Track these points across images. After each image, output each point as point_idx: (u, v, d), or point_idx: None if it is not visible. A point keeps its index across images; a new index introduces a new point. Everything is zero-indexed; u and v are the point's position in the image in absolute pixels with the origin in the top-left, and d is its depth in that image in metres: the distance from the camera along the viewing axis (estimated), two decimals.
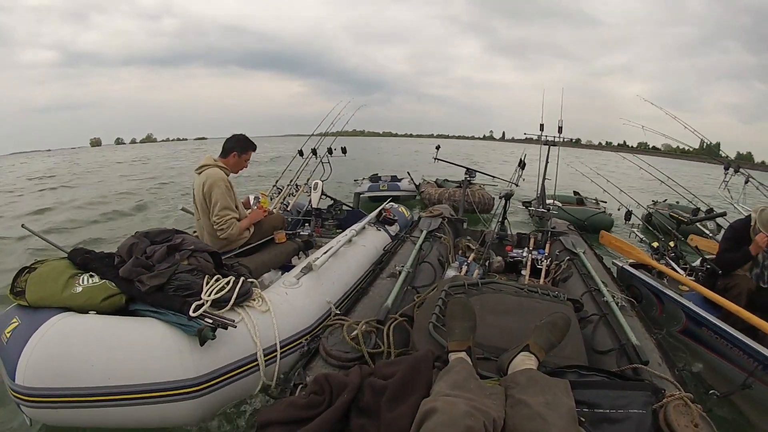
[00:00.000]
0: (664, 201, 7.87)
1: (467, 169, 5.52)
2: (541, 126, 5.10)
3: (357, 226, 3.56)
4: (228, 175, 2.96)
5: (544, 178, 5.17)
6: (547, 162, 5.14)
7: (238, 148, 3.03)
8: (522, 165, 5.29)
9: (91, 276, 2.04)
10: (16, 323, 1.82)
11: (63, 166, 25.48)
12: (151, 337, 1.79)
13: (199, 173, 2.93)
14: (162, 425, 1.84)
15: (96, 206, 9.95)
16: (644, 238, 4.40)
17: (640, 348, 1.87)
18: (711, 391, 2.11)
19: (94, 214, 8.98)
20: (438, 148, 5.83)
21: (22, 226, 2.82)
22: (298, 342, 2.18)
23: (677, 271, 3.34)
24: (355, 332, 1.93)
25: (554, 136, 5.09)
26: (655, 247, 3.89)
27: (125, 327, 1.83)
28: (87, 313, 1.89)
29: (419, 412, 1.19)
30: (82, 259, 2.15)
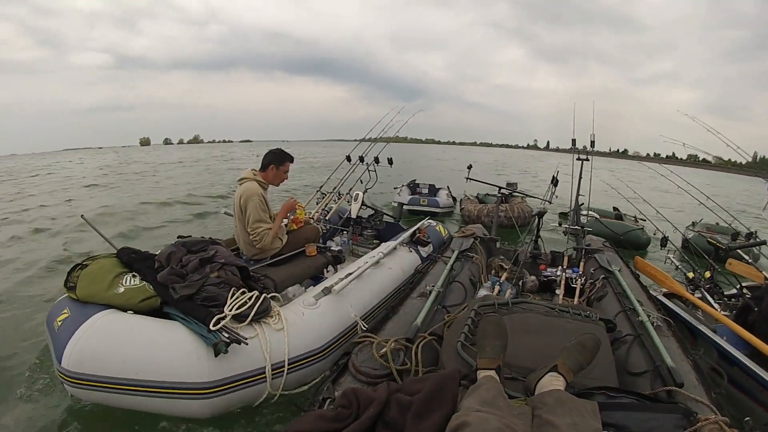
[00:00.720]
0: (700, 221, 7.60)
1: (499, 187, 5.49)
2: (573, 141, 5.01)
3: (387, 247, 3.60)
4: (266, 188, 3.23)
5: (578, 194, 5.08)
6: (580, 177, 5.04)
7: (275, 161, 3.23)
8: (555, 182, 5.23)
9: (134, 276, 2.34)
10: (67, 314, 2.18)
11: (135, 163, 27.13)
12: (176, 341, 2.04)
13: (240, 184, 3.19)
14: (176, 416, 2.12)
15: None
16: (680, 266, 4.26)
17: (674, 370, 1.82)
18: (746, 418, 2.04)
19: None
20: (470, 167, 5.81)
21: (81, 216, 3.18)
22: (307, 360, 2.33)
23: (711, 305, 3.22)
24: (384, 350, 1.95)
25: (585, 147, 5.00)
26: (691, 278, 3.77)
27: (156, 328, 2.10)
28: (127, 311, 2.20)
29: (450, 426, 1.20)
30: (129, 259, 2.45)
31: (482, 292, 3.12)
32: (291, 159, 3.33)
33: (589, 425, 1.23)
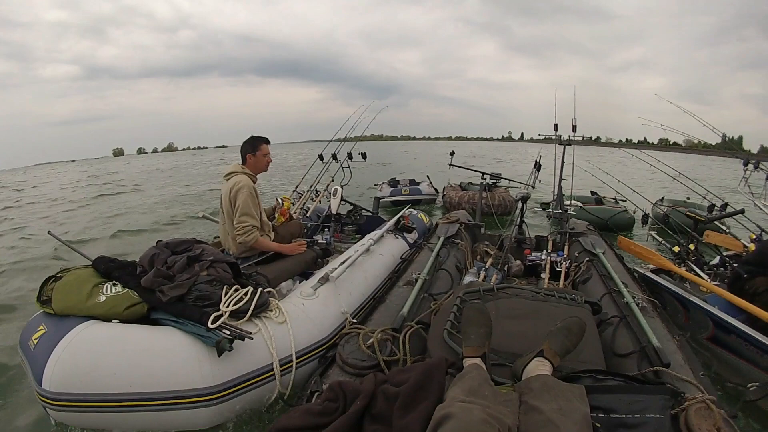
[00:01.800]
0: (662, 198, 7.73)
1: (482, 173, 5.49)
2: (555, 126, 5.03)
3: (375, 235, 3.57)
4: (255, 181, 3.08)
5: (560, 179, 5.09)
6: (563, 162, 5.07)
7: (250, 148, 3.10)
8: (537, 167, 5.23)
9: (115, 284, 2.13)
10: (43, 330, 1.92)
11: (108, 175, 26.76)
12: (171, 346, 1.86)
13: (228, 179, 3.04)
14: (180, 429, 1.90)
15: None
16: (663, 241, 4.29)
17: (661, 350, 1.83)
18: (750, 385, 2.06)
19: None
20: (452, 153, 5.81)
21: (48, 233, 2.91)
22: (313, 352, 2.20)
23: (701, 277, 3.24)
24: (371, 340, 1.93)
25: (568, 136, 5.02)
26: (677, 251, 3.79)
27: (147, 335, 1.91)
28: (111, 321, 1.98)
29: (434, 417, 1.18)
30: (106, 268, 2.24)
31: (468, 278, 3.12)
32: (266, 140, 3.17)
33: (576, 409, 1.23)
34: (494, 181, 6.97)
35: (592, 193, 7.89)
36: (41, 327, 1.96)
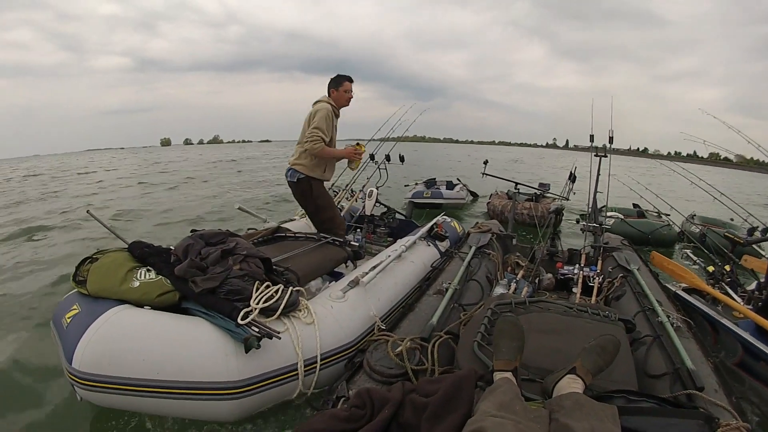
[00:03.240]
0: (692, 215, 7.43)
1: (516, 183, 5.45)
2: (591, 137, 4.94)
3: (407, 241, 3.58)
4: (336, 112, 3.66)
5: (596, 191, 5.00)
6: (598, 174, 4.98)
7: (333, 84, 3.63)
8: (572, 178, 5.16)
9: (149, 270, 2.17)
10: (77, 310, 1.99)
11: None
12: (200, 337, 1.89)
13: (313, 106, 3.61)
14: (201, 419, 1.97)
15: None
16: (697, 260, 4.18)
17: (695, 373, 1.79)
18: None
19: None
20: (486, 162, 5.78)
21: (87, 212, 3.00)
22: (338, 356, 2.21)
23: (734, 299, 3.13)
24: (399, 348, 1.93)
25: (605, 146, 4.93)
26: (711, 271, 3.68)
27: (176, 325, 1.94)
28: (142, 306, 2.04)
29: (465, 431, 1.19)
30: (141, 253, 2.29)
31: (498, 290, 3.10)
32: (349, 79, 3.65)
33: (608, 430, 1.21)
34: (542, 191, 6.85)
35: (634, 205, 7.68)
36: (75, 306, 2.02)
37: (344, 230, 3.84)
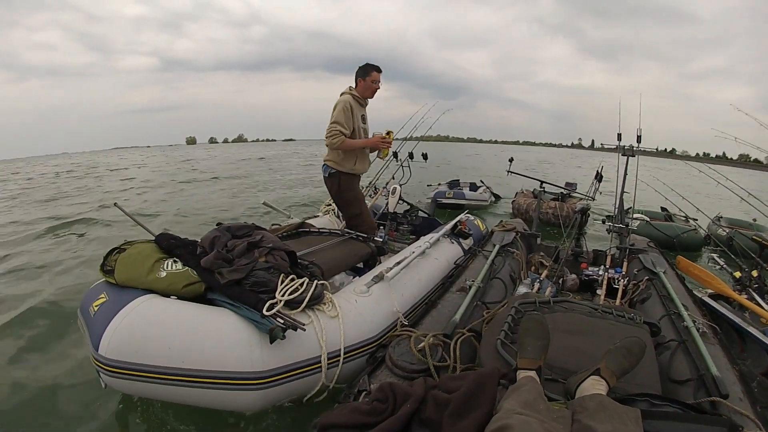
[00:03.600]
0: (718, 216, 7.30)
1: (541, 182, 5.41)
2: (619, 136, 4.86)
3: (431, 238, 3.59)
4: (361, 103, 3.66)
5: (622, 192, 4.92)
6: (625, 174, 4.90)
7: (361, 73, 3.61)
8: (599, 178, 5.09)
9: (175, 262, 2.22)
10: (104, 299, 2.03)
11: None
12: (225, 328, 1.91)
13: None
14: (225, 408, 1.99)
15: None
16: (724, 265, 4.11)
17: (720, 380, 1.76)
18: None
19: None
20: (511, 160, 5.74)
21: (115, 204, 3.08)
22: (362, 350, 2.23)
23: (761, 306, 3.06)
24: (422, 344, 1.95)
25: (632, 146, 4.84)
26: (738, 277, 3.61)
27: (202, 315, 1.97)
28: (169, 297, 2.08)
29: (490, 428, 1.19)
30: (168, 245, 2.34)
31: (521, 289, 3.10)
32: (377, 69, 3.61)
33: None
34: (569, 190, 6.78)
35: (662, 209, 7.55)
36: (102, 295, 2.05)
37: (373, 229, 3.82)
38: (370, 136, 3.80)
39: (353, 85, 3.64)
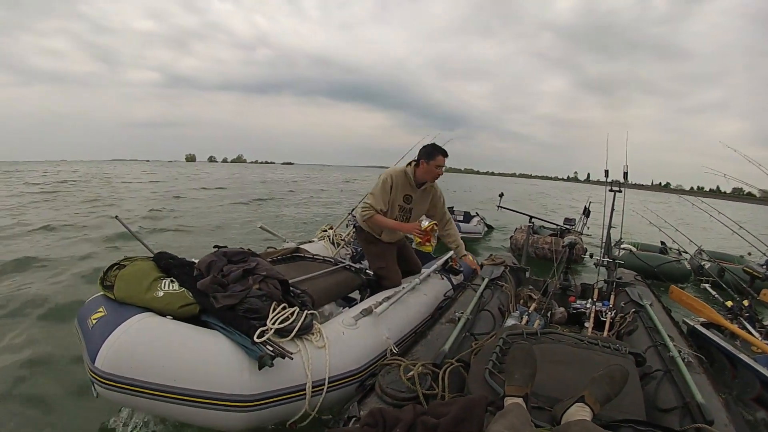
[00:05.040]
0: (698, 249, 7.31)
1: (530, 217, 5.49)
2: (606, 172, 4.98)
3: (422, 274, 3.61)
4: (412, 183, 3.28)
5: (609, 226, 5.02)
6: (612, 209, 5.00)
7: (425, 155, 3.22)
8: (587, 213, 5.18)
9: (172, 282, 2.29)
10: (103, 313, 2.10)
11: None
12: (217, 351, 1.97)
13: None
14: (211, 428, 2.02)
15: None
16: (716, 295, 4.16)
17: (705, 407, 1.79)
18: None
19: None
20: (501, 195, 5.83)
21: (116, 217, 3.10)
22: (346, 380, 2.27)
23: (752, 334, 3.13)
24: (411, 373, 1.98)
25: (619, 181, 4.95)
26: (729, 306, 3.67)
27: (196, 336, 2.03)
28: (165, 315, 2.14)
29: None
30: (166, 264, 2.41)
31: (510, 322, 3.12)
32: (444, 152, 3.25)
33: None
34: (568, 227, 6.84)
35: (662, 243, 7.58)
36: (101, 309, 2.13)
37: (397, 284, 3.39)
38: (412, 219, 3.44)
39: (414, 163, 3.29)
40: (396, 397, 1.89)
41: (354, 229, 3.63)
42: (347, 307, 3.13)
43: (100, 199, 13.80)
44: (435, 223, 3.25)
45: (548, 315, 3.64)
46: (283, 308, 2.24)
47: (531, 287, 4.18)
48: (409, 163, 3.27)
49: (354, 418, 1.75)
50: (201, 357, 1.94)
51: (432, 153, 3.20)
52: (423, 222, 3.26)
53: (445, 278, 3.87)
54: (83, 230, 8.19)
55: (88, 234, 7.91)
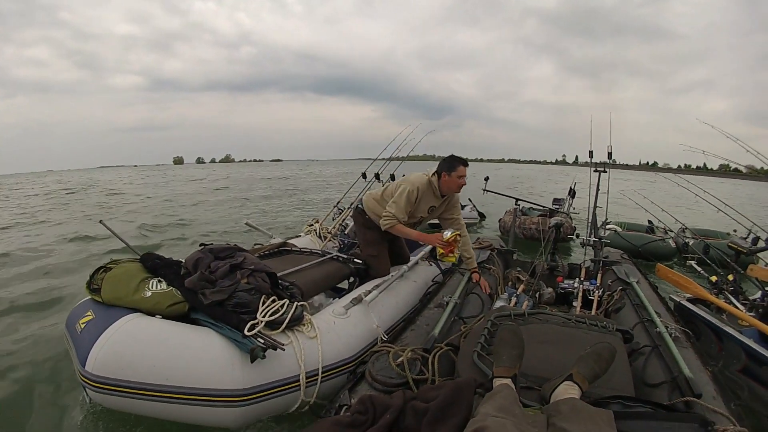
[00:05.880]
0: (682, 227, 7.26)
1: (516, 199, 5.49)
2: (590, 153, 4.99)
3: (410, 262, 3.62)
4: (436, 193, 3.21)
5: (595, 207, 5.03)
6: (597, 189, 5.02)
7: (446, 167, 3.15)
8: (572, 194, 5.19)
9: (160, 281, 2.27)
10: (91, 317, 2.07)
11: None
12: (208, 347, 1.96)
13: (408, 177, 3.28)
14: (206, 425, 2.01)
15: None
16: (702, 271, 4.20)
17: (693, 380, 1.80)
18: None
19: None
20: (487, 179, 5.83)
21: (100, 222, 3.08)
22: (340, 369, 2.26)
23: (737, 307, 3.16)
24: (400, 359, 1.97)
25: (604, 161, 4.96)
26: (714, 281, 3.71)
27: (186, 334, 2.02)
28: (154, 315, 2.13)
29: (467, 431, 1.21)
30: (153, 264, 2.39)
31: (499, 304, 3.13)
32: (464, 162, 3.18)
33: None
34: (556, 207, 6.85)
35: (649, 222, 7.64)
36: (89, 313, 2.10)
37: (385, 274, 3.35)
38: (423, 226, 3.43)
39: (436, 176, 3.20)
40: (386, 383, 1.88)
41: (358, 213, 3.48)
42: (336, 298, 3.12)
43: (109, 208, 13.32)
44: (458, 234, 3.19)
45: (536, 296, 3.66)
46: (273, 301, 2.23)
47: (519, 269, 4.19)
48: (432, 174, 3.19)
49: (345, 406, 1.74)
50: (192, 354, 1.93)
51: (453, 164, 3.15)
52: (446, 233, 3.17)
53: (433, 264, 3.87)
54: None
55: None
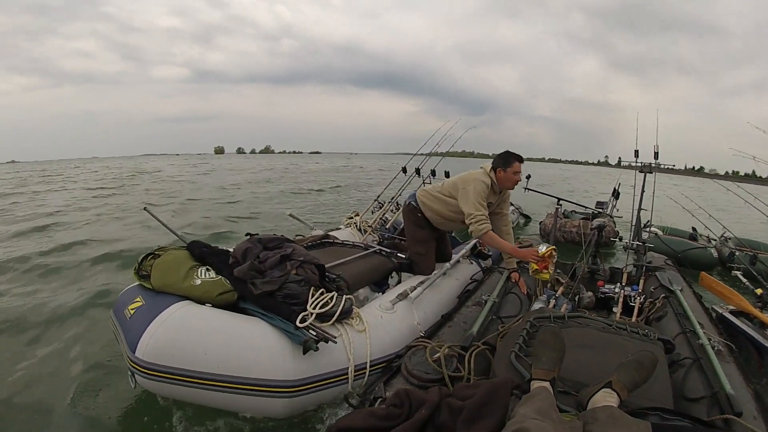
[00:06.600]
0: (722, 236, 7.00)
1: (558, 199, 5.42)
2: (636, 152, 4.84)
3: (452, 259, 3.62)
4: (496, 191, 3.19)
5: (639, 209, 4.90)
6: (642, 191, 4.87)
7: (501, 163, 3.15)
8: (616, 195, 5.07)
9: (208, 270, 2.29)
10: (141, 303, 2.11)
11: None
12: (258, 337, 1.99)
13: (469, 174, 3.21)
14: (254, 414, 2.05)
15: None
16: (747, 283, 4.06)
17: (734, 398, 1.76)
18: None
19: None
20: (528, 177, 5.76)
21: (144, 209, 3.13)
22: (385, 363, 2.28)
23: None
24: (437, 355, 2.00)
25: (650, 163, 4.81)
26: (759, 294, 3.57)
27: (237, 323, 2.05)
28: (203, 304, 2.15)
29: (506, 431, 1.23)
30: (200, 252, 2.42)
31: (537, 305, 3.11)
32: (519, 159, 3.16)
33: None
34: (600, 210, 6.66)
35: (693, 229, 7.38)
36: (138, 299, 2.14)
37: (429, 272, 3.29)
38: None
39: (492, 169, 3.18)
40: (421, 378, 1.91)
41: (402, 207, 3.46)
42: (379, 292, 3.17)
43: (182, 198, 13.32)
44: (553, 248, 2.99)
45: (576, 299, 3.61)
46: (322, 293, 2.26)
47: (558, 271, 4.13)
48: (489, 170, 3.17)
49: (380, 399, 1.77)
50: (243, 344, 1.95)
51: (508, 160, 3.13)
52: (540, 248, 2.98)
53: (473, 262, 3.88)
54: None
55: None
